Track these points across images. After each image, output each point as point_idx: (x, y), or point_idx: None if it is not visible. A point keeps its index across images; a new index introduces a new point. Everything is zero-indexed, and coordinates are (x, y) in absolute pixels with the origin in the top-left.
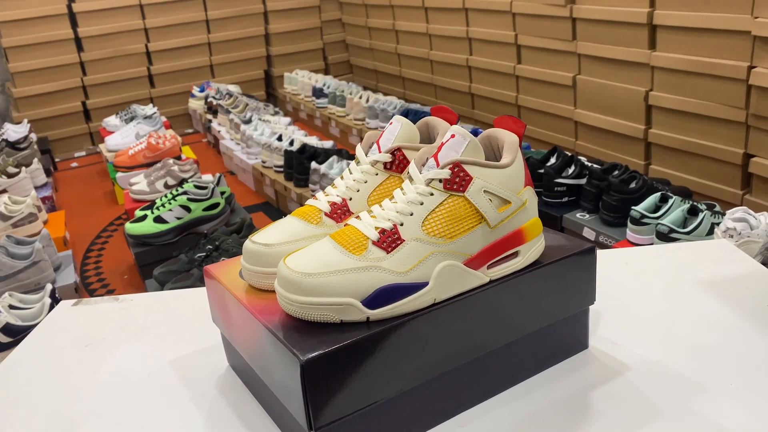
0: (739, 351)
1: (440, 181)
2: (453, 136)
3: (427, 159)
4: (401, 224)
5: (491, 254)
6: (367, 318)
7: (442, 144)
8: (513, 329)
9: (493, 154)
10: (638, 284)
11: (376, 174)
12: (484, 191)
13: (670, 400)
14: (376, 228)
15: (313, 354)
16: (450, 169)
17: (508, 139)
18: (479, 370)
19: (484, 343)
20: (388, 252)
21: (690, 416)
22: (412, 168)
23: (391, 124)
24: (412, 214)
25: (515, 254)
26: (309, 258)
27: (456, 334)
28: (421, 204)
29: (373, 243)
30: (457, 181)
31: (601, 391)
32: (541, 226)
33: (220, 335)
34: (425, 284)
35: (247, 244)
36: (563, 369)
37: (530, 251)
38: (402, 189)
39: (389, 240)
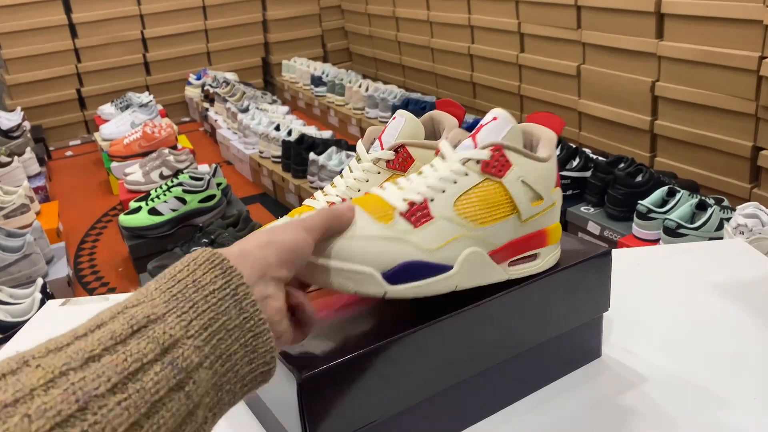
0: (761, 362)
1: (478, 162)
2: (495, 118)
3: (459, 141)
4: (432, 200)
5: (516, 250)
6: (384, 293)
7: (481, 126)
8: (522, 340)
9: (529, 148)
10: (651, 287)
11: (378, 172)
12: (522, 181)
13: (689, 414)
14: (405, 200)
15: (311, 371)
16: (491, 150)
17: (545, 135)
18: (486, 383)
19: (491, 354)
20: (415, 226)
21: None
22: (444, 145)
23: (394, 119)
24: (444, 192)
25: (534, 257)
26: None
27: (462, 346)
28: (455, 183)
29: (401, 214)
30: (496, 165)
31: (615, 403)
32: (561, 232)
33: None
34: (450, 267)
35: None
36: (576, 379)
37: (549, 256)
38: (432, 165)
39: (418, 214)
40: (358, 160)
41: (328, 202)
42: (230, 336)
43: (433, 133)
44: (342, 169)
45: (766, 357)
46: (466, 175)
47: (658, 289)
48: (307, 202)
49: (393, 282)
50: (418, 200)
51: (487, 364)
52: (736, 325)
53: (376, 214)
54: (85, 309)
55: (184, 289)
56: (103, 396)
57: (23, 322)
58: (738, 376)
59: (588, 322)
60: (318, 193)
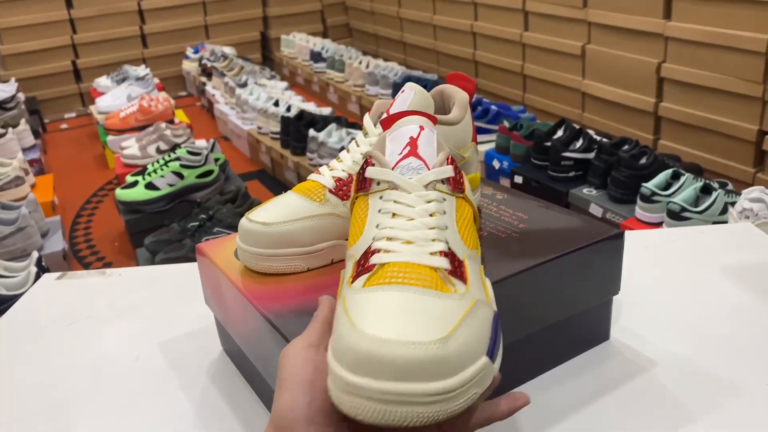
0: None
1: (444, 182)
2: (403, 91)
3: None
4: (446, 241)
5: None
6: (493, 380)
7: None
8: (532, 321)
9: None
10: (660, 270)
11: None
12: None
13: (697, 398)
14: (436, 252)
15: None
16: (448, 164)
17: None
18: None
19: None
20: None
21: (721, 420)
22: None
23: (403, 92)
24: (446, 228)
25: None
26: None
27: None
28: (447, 214)
29: (448, 272)
30: (459, 179)
31: (622, 386)
32: (480, 180)
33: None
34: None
35: (244, 221)
36: (584, 362)
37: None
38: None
39: (455, 266)
40: (366, 134)
41: (334, 177)
42: None
43: (443, 107)
44: (342, 147)
45: None
46: (444, 201)
47: (666, 272)
48: (312, 176)
49: (493, 356)
50: (445, 249)
51: None
52: (745, 308)
53: (427, 281)
54: (82, 284)
55: None
56: None
57: (19, 296)
58: (747, 360)
59: (598, 304)
60: (323, 168)
